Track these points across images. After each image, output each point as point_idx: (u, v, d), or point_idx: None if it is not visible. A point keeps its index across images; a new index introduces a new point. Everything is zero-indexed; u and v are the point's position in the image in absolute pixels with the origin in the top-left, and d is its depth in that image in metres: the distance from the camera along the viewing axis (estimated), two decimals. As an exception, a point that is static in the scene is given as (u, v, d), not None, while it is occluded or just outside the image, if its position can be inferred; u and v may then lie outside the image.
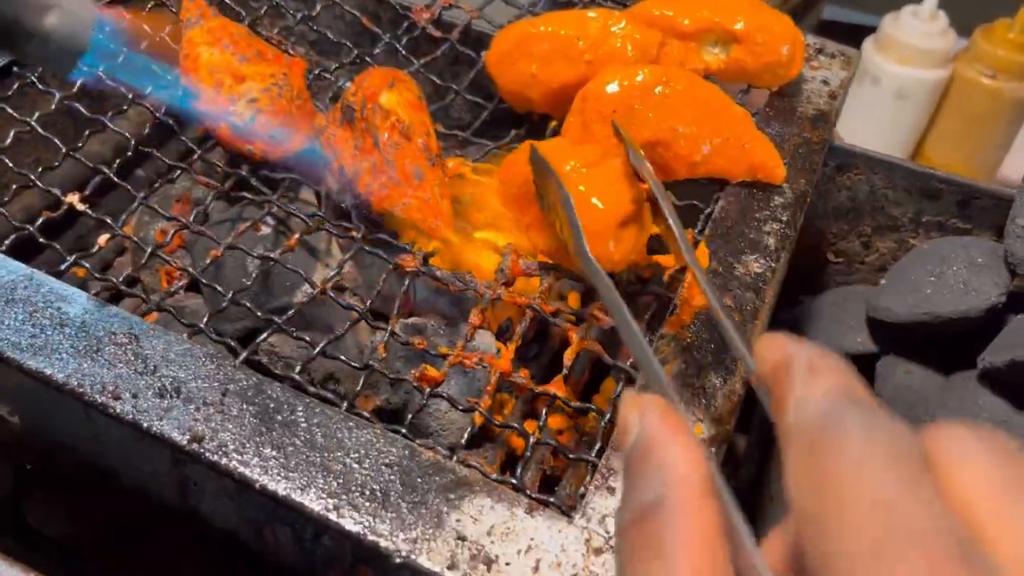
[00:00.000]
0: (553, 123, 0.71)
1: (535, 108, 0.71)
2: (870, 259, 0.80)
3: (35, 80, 0.65)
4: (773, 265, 0.59)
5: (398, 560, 0.43)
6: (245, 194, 0.63)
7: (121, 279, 0.55)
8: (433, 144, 0.62)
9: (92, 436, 0.57)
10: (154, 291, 0.61)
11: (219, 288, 0.55)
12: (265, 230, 0.64)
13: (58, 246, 0.56)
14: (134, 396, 0.47)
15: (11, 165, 0.60)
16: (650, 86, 0.63)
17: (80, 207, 0.58)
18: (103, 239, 0.57)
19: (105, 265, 0.75)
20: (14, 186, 0.59)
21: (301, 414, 0.48)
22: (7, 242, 0.55)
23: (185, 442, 0.46)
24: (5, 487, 0.67)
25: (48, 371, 0.48)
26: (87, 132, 0.64)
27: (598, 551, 0.44)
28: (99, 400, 0.47)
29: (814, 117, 0.72)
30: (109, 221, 0.58)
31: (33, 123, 0.62)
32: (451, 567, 0.43)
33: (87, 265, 0.55)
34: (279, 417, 0.48)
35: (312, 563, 0.54)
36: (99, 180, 0.60)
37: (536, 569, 0.43)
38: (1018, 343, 0.59)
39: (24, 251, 0.57)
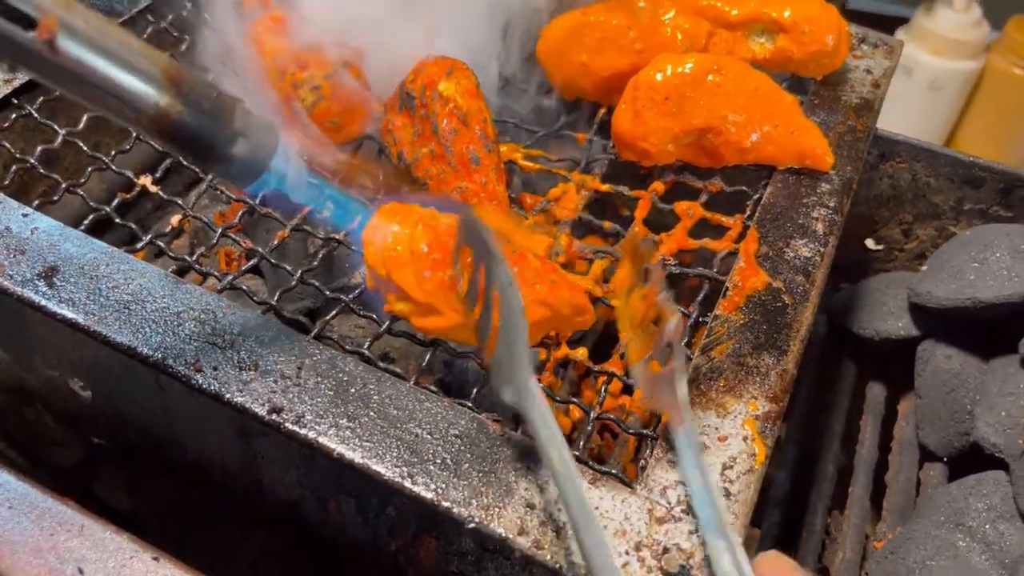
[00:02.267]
0: (603, 110, 0.73)
1: (586, 96, 0.73)
2: (910, 246, 0.81)
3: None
4: (822, 249, 0.61)
5: (471, 526, 0.45)
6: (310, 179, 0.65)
7: (193, 258, 0.58)
8: (490, 130, 0.64)
9: (162, 409, 0.60)
10: (217, 270, 0.63)
11: (287, 268, 0.57)
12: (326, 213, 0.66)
13: (133, 225, 0.58)
14: (214, 369, 0.50)
15: (85, 148, 0.62)
16: (701, 74, 0.65)
17: (152, 189, 0.60)
18: (175, 219, 0.59)
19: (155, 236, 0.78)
20: (89, 168, 0.61)
21: (373, 388, 0.50)
22: (86, 222, 0.57)
23: (264, 412, 0.48)
24: (74, 459, 0.70)
25: (134, 344, 0.50)
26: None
27: (660, 520, 0.46)
28: (182, 372, 0.49)
29: (858, 106, 0.73)
30: (180, 202, 0.60)
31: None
32: (521, 533, 0.45)
33: (162, 244, 0.57)
34: (352, 390, 0.50)
35: (374, 535, 0.56)
36: (168, 163, 0.62)
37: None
38: (1061, 328, 0.61)
39: (96, 229, 0.59)
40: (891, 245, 0.83)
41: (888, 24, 1.52)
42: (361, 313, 0.56)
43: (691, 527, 0.46)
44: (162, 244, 0.58)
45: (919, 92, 1.37)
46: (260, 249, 0.58)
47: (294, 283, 0.57)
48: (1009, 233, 0.68)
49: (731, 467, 0.49)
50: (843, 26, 0.73)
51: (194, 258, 0.58)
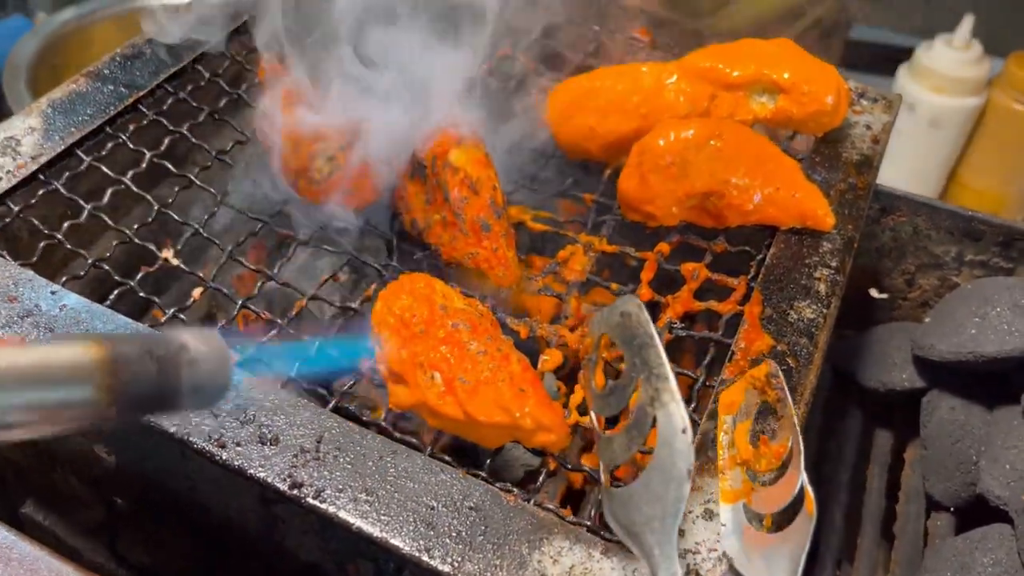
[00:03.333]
0: (608, 171, 0.75)
1: (592, 158, 0.75)
2: (913, 295, 0.83)
3: (125, 139, 0.70)
4: (825, 311, 0.63)
5: (485, 599, 0.46)
6: (325, 246, 0.67)
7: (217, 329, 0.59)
8: (500, 198, 0.66)
9: (185, 475, 0.62)
10: (236, 335, 0.65)
11: (305, 338, 0.59)
12: (342, 278, 0.68)
13: (158, 300, 0.60)
14: (237, 444, 0.51)
15: (110, 222, 0.65)
16: (703, 139, 0.67)
17: (174, 262, 0.63)
18: (196, 292, 0.61)
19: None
20: (115, 242, 0.64)
21: (390, 460, 0.52)
22: (111, 297, 0.59)
23: (286, 488, 0.50)
24: (96, 518, 0.72)
25: (158, 422, 0.52)
26: (176, 188, 0.68)
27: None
28: (206, 448, 0.51)
29: (859, 162, 0.75)
30: (200, 275, 0.62)
31: (127, 181, 0.67)
32: (538, 602, 0.46)
33: (184, 318, 0.59)
34: (370, 463, 0.51)
35: (393, 596, 0.58)
36: (190, 234, 0.65)
37: (613, 609, 0.47)
38: (1061, 383, 0.62)
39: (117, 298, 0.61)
40: (895, 294, 0.84)
41: (891, 55, 1.54)
42: (377, 384, 0.58)
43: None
44: (184, 317, 0.60)
45: (921, 129, 1.39)
46: (279, 320, 0.60)
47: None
48: (1010, 287, 0.70)
49: (739, 534, 0.50)
50: (842, 85, 0.75)
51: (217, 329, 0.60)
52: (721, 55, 0.76)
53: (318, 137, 0.67)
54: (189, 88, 0.75)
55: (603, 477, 0.46)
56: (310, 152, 0.67)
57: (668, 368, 0.40)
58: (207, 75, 0.76)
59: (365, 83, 0.70)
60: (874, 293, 0.84)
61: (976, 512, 0.70)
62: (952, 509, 0.72)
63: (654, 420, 0.41)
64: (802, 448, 0.43)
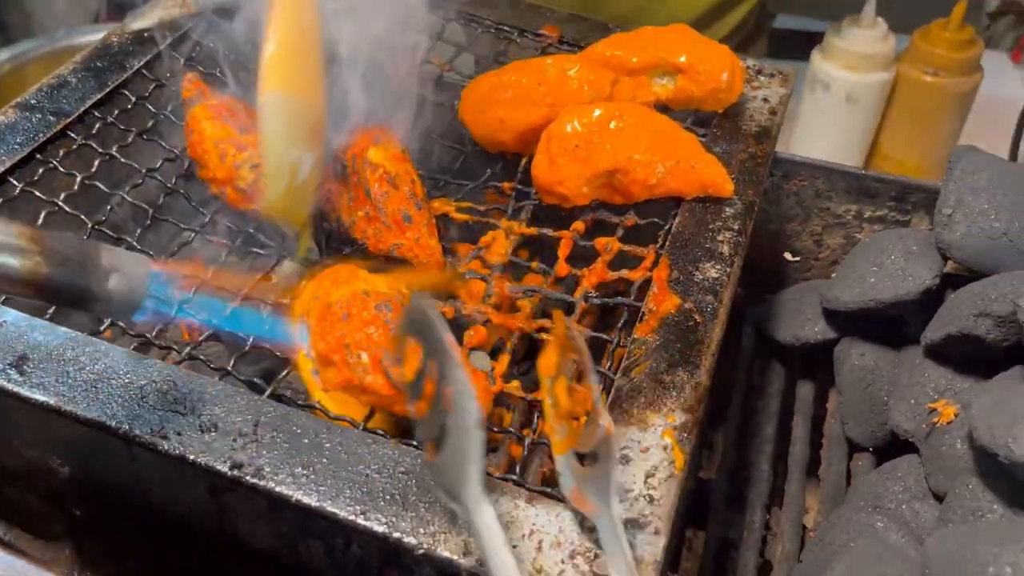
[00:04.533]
0: (524, 160, 0.79)
1: (507, 149, 0.79)
2: (823, 255, 0.88)
3: (56, 164, 0.73)
4: (728, 269, 0.67)
5: (419, 553, 0.50)
6: (255, 249, 0.70)
7: (152, 335, 0.63)
8: (419, 190, 0.70)
9: (137, 477, 0.65)
10: (176, 342, 0.68)
11: (241, 334, 0.62)
12: (275, 279, 0.72)
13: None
14: (178, 434, 0.55)
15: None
16: (606, 121, 0.71)
17: (110, 274, 0.65)
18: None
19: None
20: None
21: (325, 436, 0.55)
22: (50, 312, 0.62)
23: (227, 470, 0.53)
24: (59, 531, 0.74)
25: (101, 418, 0.55)
26: (108, 206, 0.71)
27: (591, 529, 0.51)
28: (148, 440, 0.54)
29: (757, 133, 0.80)
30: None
31: (60, 203, 0.70)
32: (465, 554, 0.50)
33: (122, 324, 0.62)
34: (306, 441, 0.55)
35: (344, 573, 0.61)
36: (124, 247, 0.68)
37: (539, 548, 0.50)
38: (951, 319, 0.67)
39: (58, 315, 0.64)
40: (806, 256, 0.89)
41: (814, 40, 1.61)
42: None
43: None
44: (123, 324, 0.63)
45: (839, 106, 1.45)
46: (214, 320, 0.64)
47: (246, 348, 0.62)
48: (902, 236, 0.75)
49: (653, 475, 0.54)
50: (736, 63, 0.80)
51: (154, 334, 0.63)
52: (621, 43, 0.80)
53: (241, 147, 0.71)
54: (116, 113, 0.78)
55: (426, 456, 0.50)
56: (235, 163, 0.70)
57: (449, 345, 0.45)
58: (133, 98, 0.79)
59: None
60: (788, 256, 0.89)
61: (891, 449, 0.75)
62: (871, 449, 0.77)
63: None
64: (599, 387, 0.50)
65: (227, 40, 0.81)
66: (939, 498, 0.64)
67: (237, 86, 0.82)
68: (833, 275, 0.80)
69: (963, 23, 1.32)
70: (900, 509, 0.65)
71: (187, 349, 0.62)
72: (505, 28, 0.91)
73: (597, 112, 0.72)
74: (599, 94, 0.76)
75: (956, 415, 0.64)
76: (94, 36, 1.11)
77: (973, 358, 0.69)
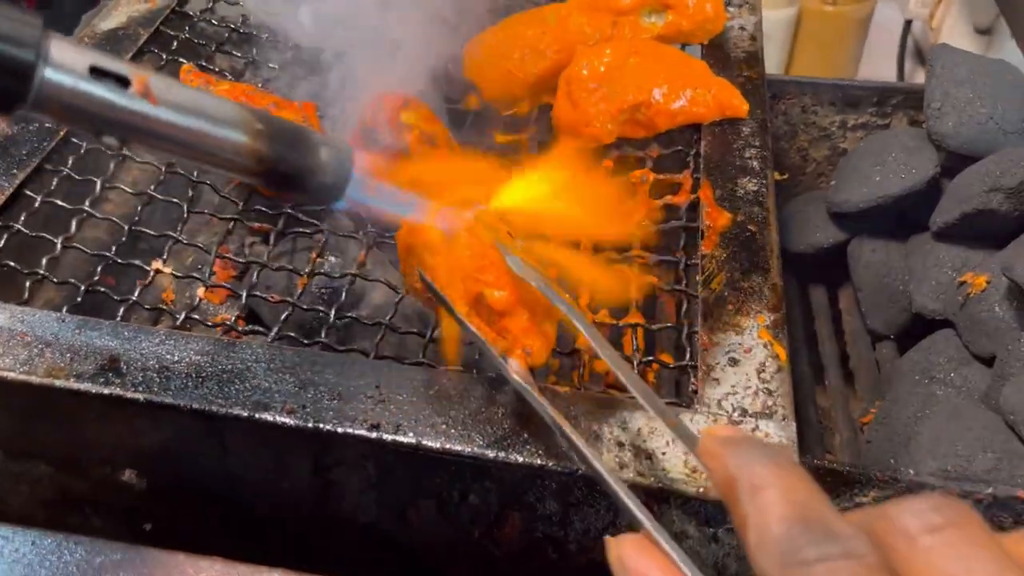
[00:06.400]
0: (535, 110, 0.80)
1: (516, 100, 0.80)
2: (809, 169, 0.93)
3: (69, 172, 0.69)
4: (764, 181, 0.71)
5: (580, 473, 0.51)
6: (299, 230, 0.69)
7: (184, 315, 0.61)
8: (456, 147, 0.71)
9: (224, 473, 0.63)
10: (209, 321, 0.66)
11: (321, 309, 0.62)
12: (331, 258, 0.71)
13: (164, 306, 0.61)
14: (304, 407, 0.54)
15: (87, 251, 0.65)
16: (623, 58, 0.74)
17: (166, 271, 0.63)
18: (201, 291, 0.62)
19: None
20: (99, 267, 0.64)
21: (448, 383, 0.55)
22: (121, 312, 0.60)
23: (364, 431, 0.53)
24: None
25: (224, 409, 0.54)
26: (138, 207, 0.69)
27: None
28: (279, 420, 0.53)
29: (746, 58, 0.84)
30: (198, 276, 0.63)
31: (88, 208, 0.67)
32: (622, 467, 0.52)
33: (197, 317, 0.61)
34: (431, 392, 0.55)
35: (455, 530, 0.61)
36: (171, 243, 0.66)
37: (687, 452, 0.52)
38: (963, 199, 0.73)
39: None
40: (794, 173, 0.94)
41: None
42: (401, 331, 0.62)
43: (751, 426, 0.54)
44: (196, 316, 0.61)
45: (753, 43, 1.52)
46: (289, 299, 0.63)
47: (332, 320, 0.61)
48: (897, 135, 0.80)
49: (763, 371, 0.57)
50: (716, -5, 0.83)
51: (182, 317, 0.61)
52: (609, -14, 0.83)
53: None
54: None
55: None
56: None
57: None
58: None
59: (301, 68, 0.73)
60: (776, 176, 0.94)
61: (911, 332, 0.81)
62: (892, 336, 0.83)
63: None
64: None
65: (204, 29, 0.79)
66: (983, 361, 0.70)
67: (233, 72, 0.80)
68: (824, 184, 0.85)
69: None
70: (949, 377, 0.70)
71: (273, 331, 0.60)
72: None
73: (610, 51, 0.74)
74: (603, 35, 0.79)
75: (988, 282, 0.70)
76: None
77: (982, 234, 0.75)
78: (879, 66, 1.68)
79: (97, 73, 0.36)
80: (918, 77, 1.59)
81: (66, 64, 0.35)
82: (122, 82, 0.37)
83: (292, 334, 0.60)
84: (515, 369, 0.49)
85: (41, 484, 0.67)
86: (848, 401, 0.80)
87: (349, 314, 0.62)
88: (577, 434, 0.47)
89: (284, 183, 0.45)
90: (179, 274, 0.64)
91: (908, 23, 1.55)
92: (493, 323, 0.50)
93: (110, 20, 0.83)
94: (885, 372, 0.80)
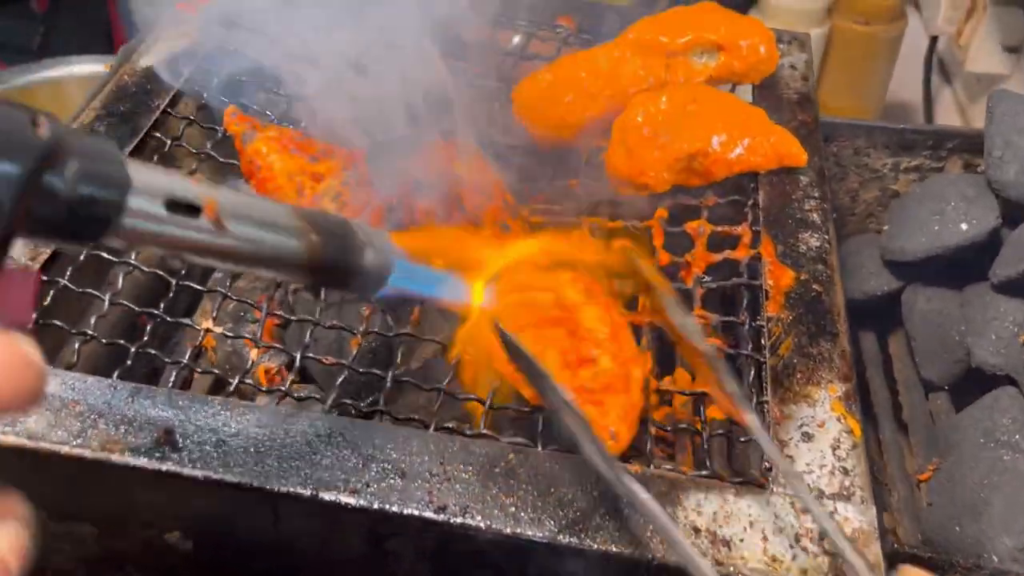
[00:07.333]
0: (584, 155, 0.78)
1: (566, 144, 0.78)
2: (859, 210, 0.91)
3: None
4: (827, 236, 0.69)
5: (655, 561, 0.49)
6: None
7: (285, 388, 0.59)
8: (510, 198, 0.69)
9: (275, 539, 0.61)
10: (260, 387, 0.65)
11: (378, 372, 0.60)
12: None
13: (217, 371, 0.59)
14: (367, 485, 0.52)
15: (135, 307, 0.63)
16: (680, 105, 0.71)
17: (217, 330, 0.62)
18: (254, 353, 0.61)
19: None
20: (148, 326, 0.62)
21: (514, 459, 0.53)
22: (172, 378, 0.58)
23: (432, 514, 0.51)
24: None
25: (283, 487, 0.52)
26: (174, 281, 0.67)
27: (804, 511, 0.52)
28: (342, 501, 0.51)
29: (799, 100, 0.82)
30: (249, 338, 0.61)
31: (135, 262, 0.65)
32: (700, 554, 0.50)
33: (250, 382, 0.59)
34: (496, 469, 0.53)
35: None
36: (220, 300, 0.64)
37: (765, 538, 0.51)
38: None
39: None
40: (843, 213, 0.92)
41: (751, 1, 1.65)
42: (460, 397, 0.60)
43: (829, 508, 0.52)
44: (250, 382, 0.59)
45: (782, 63, 1.50)
46: (344, 362, 0.61)
47: (388, 384, 0.59)
48: (954, 182, 0.78)
49: (838, 448, 0.55)
50: (769, 34, 0.81)
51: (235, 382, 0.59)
52: (655, 27, 0.80)
53: (317, 178, 0.67)
54: (155, 158, 0.73)
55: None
56: (315, 195, 0.67)
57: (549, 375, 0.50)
58: (168, 141, 0.74)
59: (343, 112, 0.71)
60: (824, 216, 0.92)
61: (967, 385, 0.79)
62: (947, 388, 0.81)
63: None
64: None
65: (240, 67, 0.77)
66: (1050, 423, 0.68)
67: (272, 107, 0.78)
68: (886, 227, 0.83)
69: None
70: (1015, 439, 0.68)
71: (330, 396, 0.59)
72: (522, 23, 0.89)
73: (665, 98, 0.72)
74: (657, 79, 0.76)
75: (1055, 341, 0.68)
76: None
77: (1044, 289, 0.73)
78: (904, 83, 1.65)
79: (173, 206, 0.35)
80: (943, 95, 1.57)
81: (144, 205, 0.34)
82: (194, 211, 0.37)
83: (347, 401, 0.58)
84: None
85: (84, 544, 0.65)
86: (903, 455, 0.78)
87: (404, 378, 0.60)
88: (673, 524, 0.45)
89: (328, 283, 0.47)
90: (230, 334, 0.62)
91: (934, 40, 1.52)
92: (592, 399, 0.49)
93: (148, 56, 0.81)
94: (941, 426, 0.78)
